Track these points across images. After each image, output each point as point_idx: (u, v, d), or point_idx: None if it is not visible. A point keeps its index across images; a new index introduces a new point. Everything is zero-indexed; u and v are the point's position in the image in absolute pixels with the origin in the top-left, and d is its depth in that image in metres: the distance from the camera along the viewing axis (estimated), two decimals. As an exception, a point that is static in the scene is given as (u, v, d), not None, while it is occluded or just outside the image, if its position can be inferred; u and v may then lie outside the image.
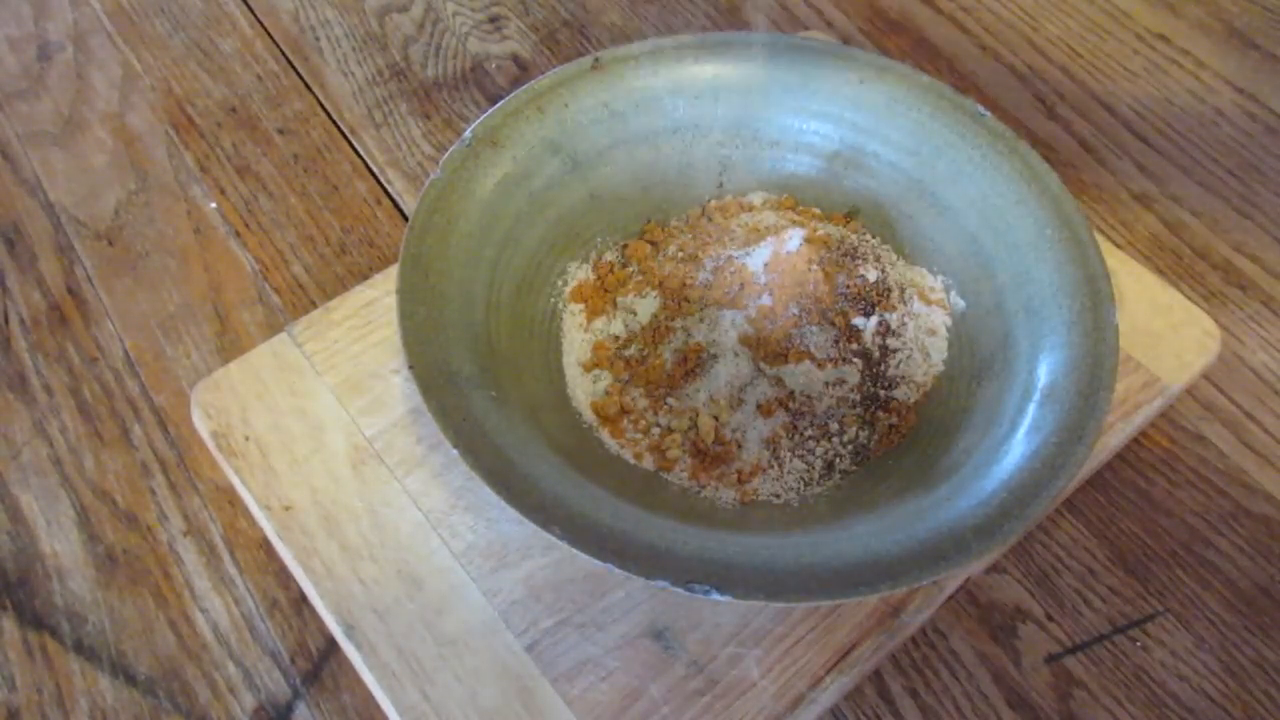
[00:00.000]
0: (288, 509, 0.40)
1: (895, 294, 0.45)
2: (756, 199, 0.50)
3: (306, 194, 0.56)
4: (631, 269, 0.48)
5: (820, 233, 0.46)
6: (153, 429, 0.48)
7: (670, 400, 0.44)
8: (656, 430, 0.43)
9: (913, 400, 0.44)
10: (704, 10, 0.65)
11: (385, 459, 0.41)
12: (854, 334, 0.44)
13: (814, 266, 0.44)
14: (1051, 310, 0.41)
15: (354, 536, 0.39)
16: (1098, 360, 0.39)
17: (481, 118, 0.45)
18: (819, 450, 0.43)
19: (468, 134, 0.44)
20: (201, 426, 0.43)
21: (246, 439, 0.42)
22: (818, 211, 0.49)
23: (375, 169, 0.57)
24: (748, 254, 0.45)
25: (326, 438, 0.42)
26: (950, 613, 0.42)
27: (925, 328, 0.45)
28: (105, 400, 0.49)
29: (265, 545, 0.44)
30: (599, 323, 0.46)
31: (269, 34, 0.64)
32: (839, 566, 0.35)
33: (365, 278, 0.48)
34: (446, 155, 0.44)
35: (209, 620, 0.43)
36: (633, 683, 0.37)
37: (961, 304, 0.45)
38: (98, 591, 0.44)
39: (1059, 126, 0.59)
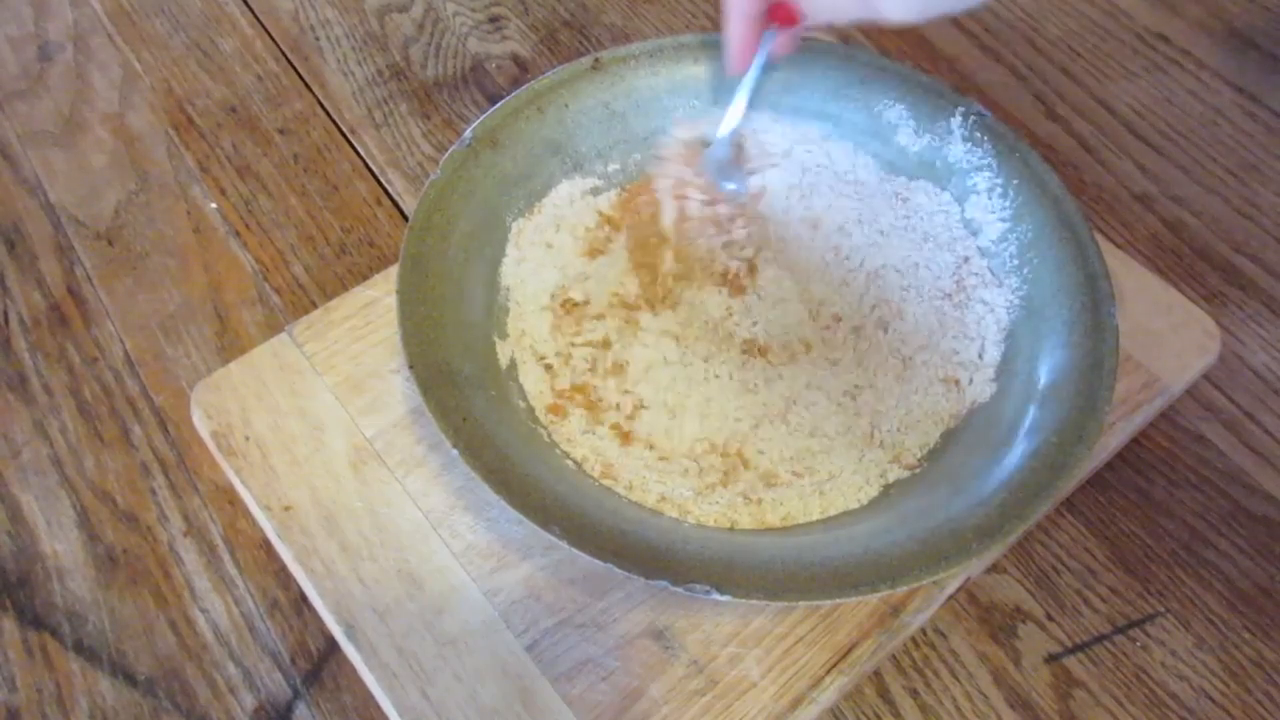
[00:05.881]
0: (288, 509, 0.40)
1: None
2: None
3: (306, 194, 0.56)
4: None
5: None
6: (153, 429, 0.48)
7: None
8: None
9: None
10: (704, 10, 0.65)
11: (385, 459, 0.41)
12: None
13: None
14: (1051, 310, 0.41)
15: (354, 536, 0.39)
16: (1098, 360, 0.39)
17: (481, 118, 0.45)
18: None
19: (468, 134, 0.44)
20: (201, 426, 0.43)
21: (246, 439, 0.42)
22: None
23: (375, 169, 0.57)
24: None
25: (326, 438, 0.42)
26: (950, 613, 0.42)
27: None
28: (105, 400, 0.49)
29: (265, 545, 0.44)
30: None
31: (269, 34, 0.64)
32: (839, 566, 0.35)
33: (365, 278, 0.47)
34: (446, 155, 0.44)
35: (209, 620, 0.43)
36: (633, 683, 0.37)
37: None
38: (98, 591, 0.44)
39: (1059, 126, 0.59)
